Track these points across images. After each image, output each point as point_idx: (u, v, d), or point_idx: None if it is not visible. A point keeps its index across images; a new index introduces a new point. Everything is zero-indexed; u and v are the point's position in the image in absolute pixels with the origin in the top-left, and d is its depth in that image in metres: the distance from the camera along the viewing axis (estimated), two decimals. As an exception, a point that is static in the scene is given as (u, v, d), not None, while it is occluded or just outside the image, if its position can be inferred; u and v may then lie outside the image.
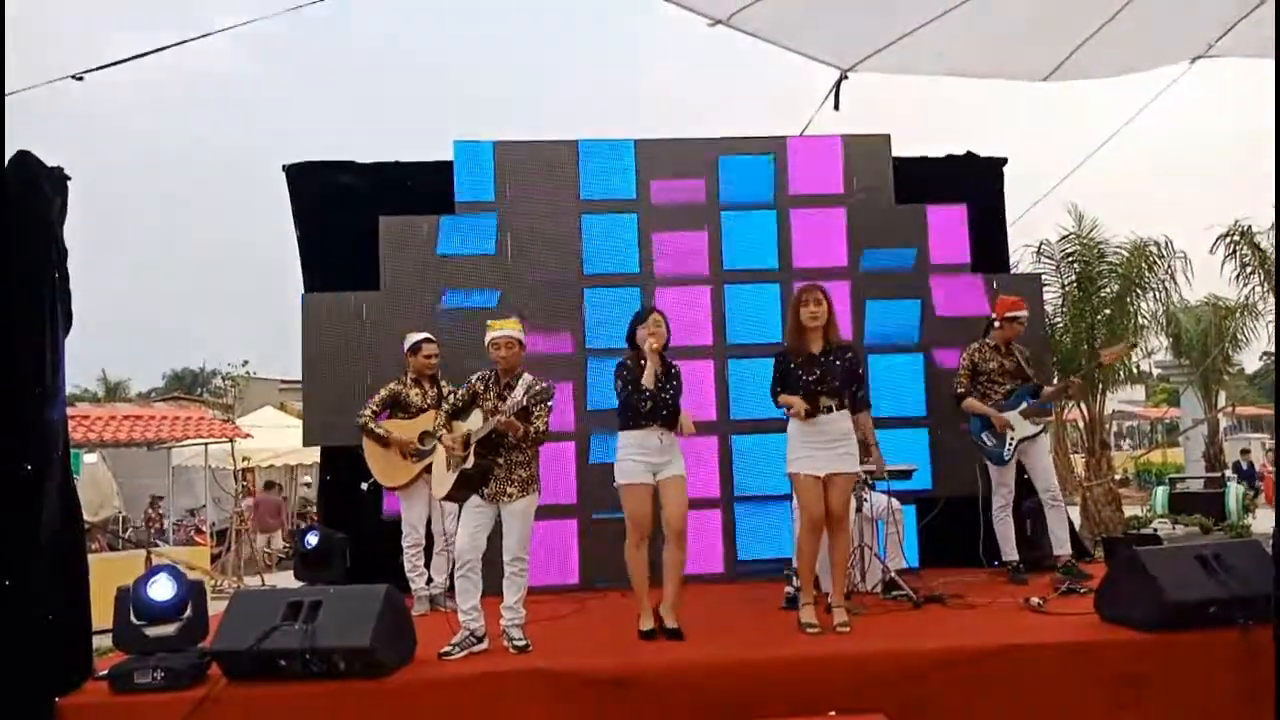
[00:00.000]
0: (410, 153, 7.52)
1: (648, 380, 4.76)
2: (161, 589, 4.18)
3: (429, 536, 5.94)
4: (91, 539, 12.21)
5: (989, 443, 6.06)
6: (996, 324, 6.15)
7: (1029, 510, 6.39)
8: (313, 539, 6.35)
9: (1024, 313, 6.14)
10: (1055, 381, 6.16)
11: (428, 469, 5.71)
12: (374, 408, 5.91)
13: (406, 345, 6.01)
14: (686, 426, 4.83)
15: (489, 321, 4.89)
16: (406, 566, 5.86)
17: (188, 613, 4.17)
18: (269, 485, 17.07)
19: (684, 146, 7.22)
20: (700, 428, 5.28)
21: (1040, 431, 5.98)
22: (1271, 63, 3.83)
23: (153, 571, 4.24)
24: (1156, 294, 11.95)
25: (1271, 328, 12.81)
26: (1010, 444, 5.95)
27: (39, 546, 4.07)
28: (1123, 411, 32.57)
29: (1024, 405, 5.95)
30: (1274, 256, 12.11)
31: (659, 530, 4.84)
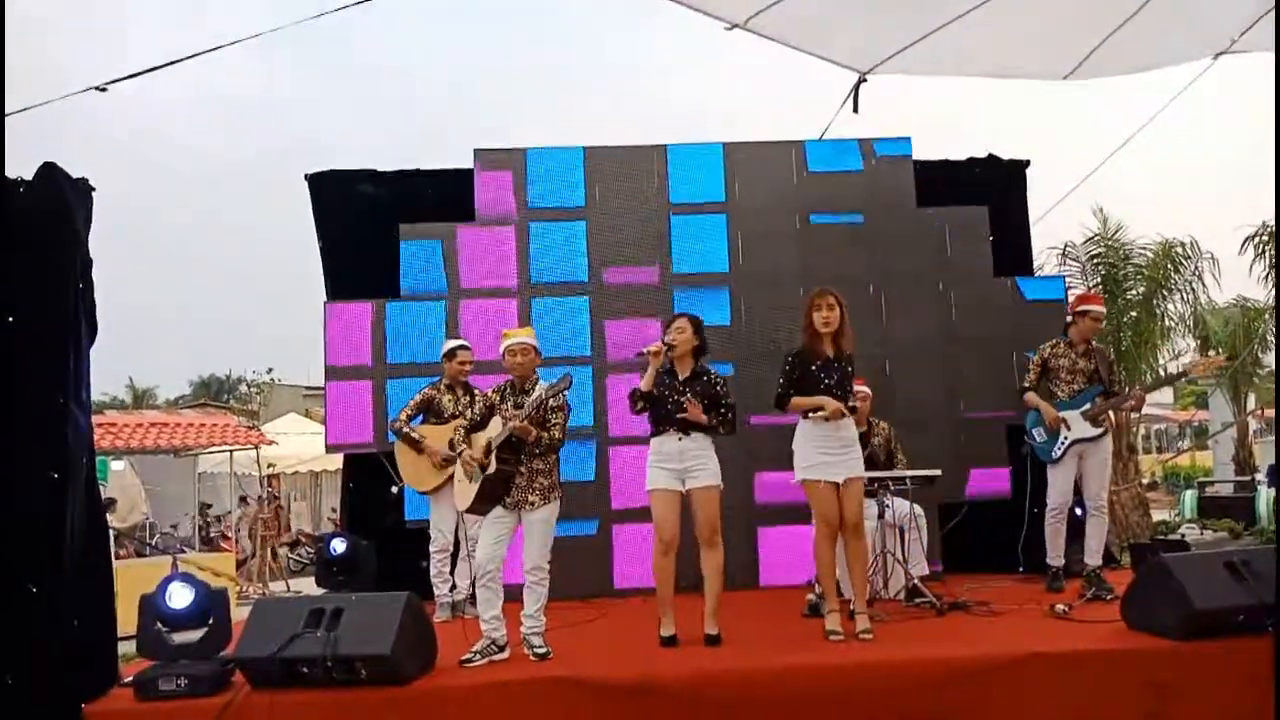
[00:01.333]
0: (433, 160, 7.58)
1: (645, 383, 4.77)
2: (179, 597, 4.19)
3: (456, 543, 5.95)
4: (119, 545, 12.34)
5: (1039, 438, 5.91)
6: (1070, 319, 5.99)
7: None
8: (339, 545, 6.39)
9: (1095, 307, 5.96)
10: (1124, 388, 6.00)
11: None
12: (409, 412, 5.94)
13: (442, 351, 6.05)
14: (691, 411, 4.71)
15: (504, 331, 4.91)
16: (431, 571, 5.88)
17: (210, 620, 4.18)
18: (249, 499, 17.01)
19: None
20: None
21: (1100, 435, 5.77)
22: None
23: (167, 580, 4.26)
24: (1184, 295, 11.85)
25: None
26: (1062, 443, 5.77)
27: (65, 553, 4.12)
28: (1150, 415, 32.19)
29: (1087, 406, 5.79)
30: (1275, 258, 11.96)
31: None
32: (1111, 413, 6.18)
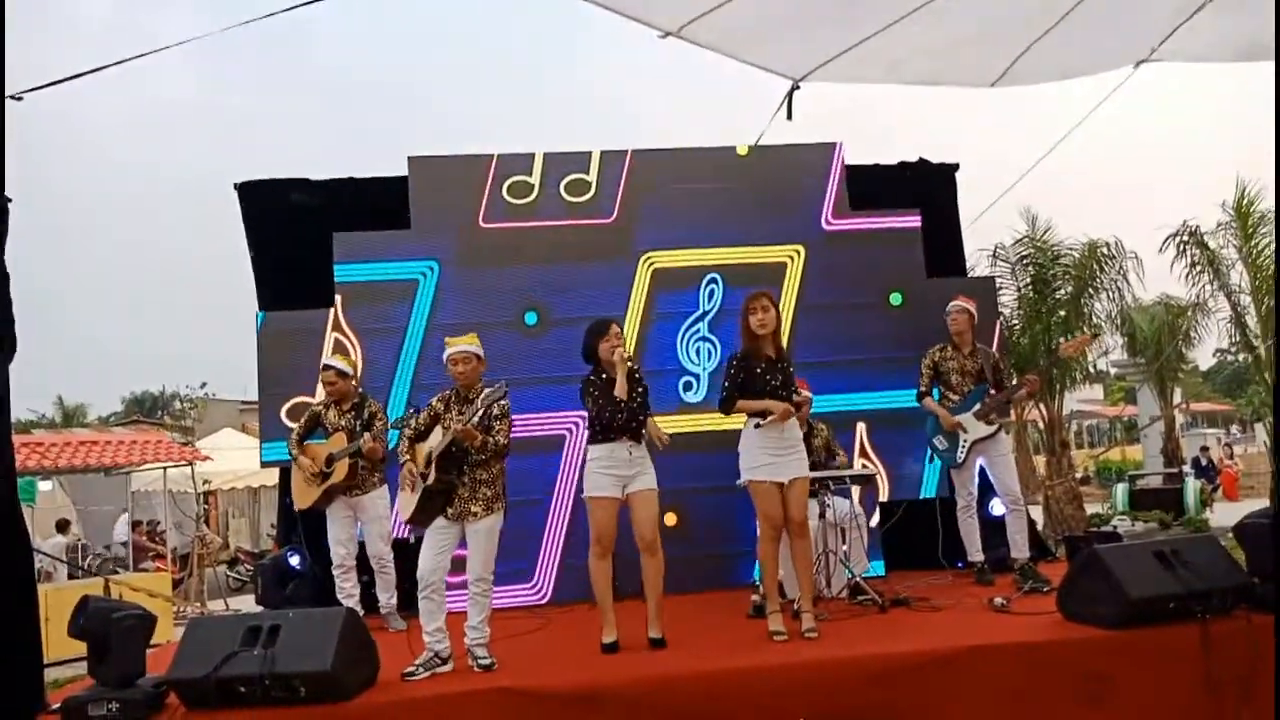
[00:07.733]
0: (364, 168, 7.47)
1: (620, 391, 4.72)
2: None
3: (365, 559, 5.92)
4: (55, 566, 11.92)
5: (941, 446, 6.08)
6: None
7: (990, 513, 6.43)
8: (295, 561, 6.35)
9: (958, 303, 6.14)
10: (1012, 381, 6.14)
11: (341, 490, 5.79)
12: (299, 431, 5.97)
13: None
14: (660, 437, 4.80)
15: (446, 339, 4.85)
16: (336, 588, 5.84)
17: (109, 645, 4.00)
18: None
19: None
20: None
21: (995, 432, 5.96)
22: (1271, 66, 3.92)
23: (78, 605, 4.15)
24: (1110, 294, 12.18)
25: (1223, 324, 13.03)
26: (963, 446, 5.96)
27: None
28: (1082, 411, 33.06)
29: (977, 406, 5.97)
30: (1275, 251, 12.22)
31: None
32: (1014, 407, 6.35)
